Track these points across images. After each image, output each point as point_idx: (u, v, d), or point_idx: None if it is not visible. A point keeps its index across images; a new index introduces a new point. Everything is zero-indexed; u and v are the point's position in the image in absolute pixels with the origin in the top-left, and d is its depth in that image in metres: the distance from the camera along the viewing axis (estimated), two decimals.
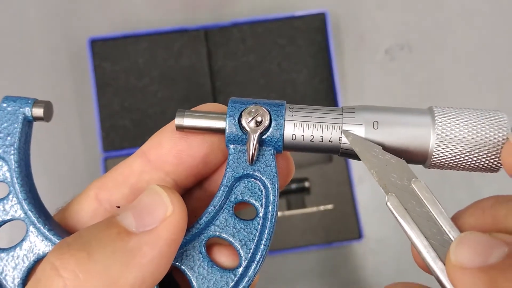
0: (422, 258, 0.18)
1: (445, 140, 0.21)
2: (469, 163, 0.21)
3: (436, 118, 0.21)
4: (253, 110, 0.22)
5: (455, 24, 0.74)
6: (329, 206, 0.67)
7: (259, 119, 0.21)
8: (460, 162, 0.21)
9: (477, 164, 0.21)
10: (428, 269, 0.19)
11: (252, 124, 0.21)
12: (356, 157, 0.22)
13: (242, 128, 0.22)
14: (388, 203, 0.19)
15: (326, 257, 0.67)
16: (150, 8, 0.72)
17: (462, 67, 0.74)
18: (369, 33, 0.73)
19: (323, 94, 0.69)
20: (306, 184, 0.66)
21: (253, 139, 0.21)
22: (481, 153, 0.21)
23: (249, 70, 0.69)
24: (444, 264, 0.17)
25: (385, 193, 0.19)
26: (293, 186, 0.66)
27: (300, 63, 0.69)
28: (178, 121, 0.22)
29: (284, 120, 0.22)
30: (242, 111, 0.22)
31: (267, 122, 0.21)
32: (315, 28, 0.69)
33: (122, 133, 0.67)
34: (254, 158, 0.22)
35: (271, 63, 0.69)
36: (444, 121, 0.21)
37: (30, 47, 0.71)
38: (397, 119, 0.21)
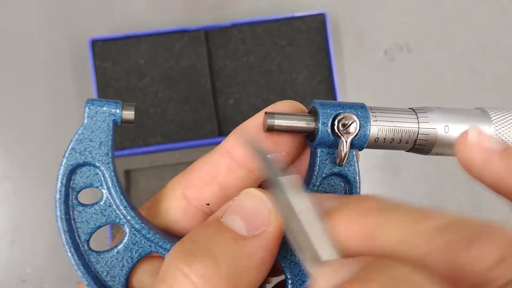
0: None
1: (500, 135, 0.24)
2: None
3: (491, 116, 0.24)
4: (344, 117, 0.23)
5: (454, 24, 0.75)
6: None
7: (350, 125, 0.23)
8: None
9: None
10: None
11: (344, 130, 0.23)
12: (423, 152, 0.24)
13: (333, 133, 0.23)
14: (271, 198, 0.20)
15: None
16: (150, 9, 0.73)
17: (461, 67, 0.74)
18: (369, 33, 0.74)
19: (322, 94, 0.69)
20: None
21: (346, 144, 0.23)
22: None
23: (249, 70, 0.69)
24: (312, 261, 0.18)
25: (269, 187, 0.20)
26: None
27: (300, 63, 0.69)
28: (269, 123, 0.23)
29: (370, 125, 0.23)
30: (333, 118, 0.23)
31: (357, 129, 0.23)
32: (314, 29, 0.70)
33: (123, 133, 0.67)
34: (345, 161, 0.23)
35: (271, 64, 0.69)
36: (499, 119, 0.24)
37: (30, 48, 0.71)
38: (460, 120, 0.24)
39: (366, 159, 0.71)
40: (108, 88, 0.67)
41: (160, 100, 0.68)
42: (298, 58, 0.69)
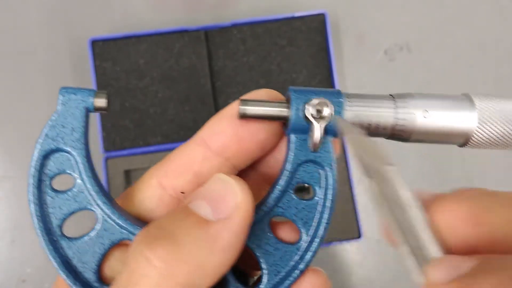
0: (395, 243, 0.19)
1: (484, 121, 0.23)
2: (501, 140, 0.23)
3: (475, 102, 0.23)
4: (317, 102, 0.23)
5: (454, 24, 0.75)
6: None
7: (323, 111, 0.23)
8: (494, 140, 0.23)
9: (507, 141, 0.24)
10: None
11: (317, 116, 0.23)
12: (403, 139, 0.24)
13: (306, 119, 0.23)
14: (369, 188, 0.20)
15: (325, 256, 0.68)
16: (150, 9, 0.73)
17: (461, 67, 0.74)
18: (369, 33, 0.74)
19: None
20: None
21: (319, 130, 0.23)
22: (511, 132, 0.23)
23: (249, 70, 0.69)
24: (412, 255, 0.18)
25: (367, 177, 0.20)
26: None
27: (300, 63, 0.69)
28: (241, 110, 0.23)
29: (344, 111, 0.23)
30: (306, 103, 0.23)
31: (330, 114, 0.23)
32: (314, 29, 0.70)
33: (123, 133, 0.67)
34: (319, 147, 0.23)
35: (271, 64, 0.69)
36: (483, 105, 0.23)
37: (30, 47, 0.71)
38: (442, 106, 0.23)
39: None
40: (108, 88, 0.67)
41: (160, 100, 0.68)
42: (298, 58, 0.69)
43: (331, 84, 0.69)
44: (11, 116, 0.70)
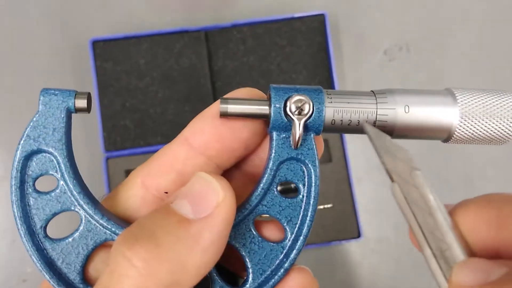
0: (418, 245, 0.19)
1: (467, 116, 0.23)
2: (485, 135, 0.23)
3: (457, 97, 0.23)
4: (296, 98, 0.23)
5: (453, 25, 0.75)
6: (328, 205, 0.67)
7: (303, 107, 0.23)
8: (478, 135, 0.23)
9: (490, 136, 0.23)
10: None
11: (297, 112, 0.23)
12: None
13: (286, 115, 0.23)
14: (392, 191, 0.20)
15: (324, 256, 0.68)
16: (151, 10, 0.73)
17: (460, 67, 0.74)
18: (368, 34, 0.74)
19: None
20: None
21: (299, 126, 0.23)
22: (494, 127, 0.23)
23: (249, 70, 0.69)
24: (435, 257, 0.18)
25: (391, 181, 0.20)
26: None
27: (300, 63, 0.70)
28: (222, 108, 0.23)
29: (325, 107, 0.23)
30: (286, 100, 0.23)
31: (310, 111, 0.23)
32: (314, 29, 0.70)
33: (124, 133, 0.67)
34: (299, 144, 0.23)
35: (271, 64, 0.69)
36: (465, 100, 0.23)
37: (31, 48, 0.72)
38: (424, 101, 0.23)
39: (367, 160, 0.71)
40: (108, 88, 0.68)
41: (160, 100, 0.68)
42: (298, 58, 0.70)
43: (331, 84, 0.69)
44: (11, 116, 0.70)
